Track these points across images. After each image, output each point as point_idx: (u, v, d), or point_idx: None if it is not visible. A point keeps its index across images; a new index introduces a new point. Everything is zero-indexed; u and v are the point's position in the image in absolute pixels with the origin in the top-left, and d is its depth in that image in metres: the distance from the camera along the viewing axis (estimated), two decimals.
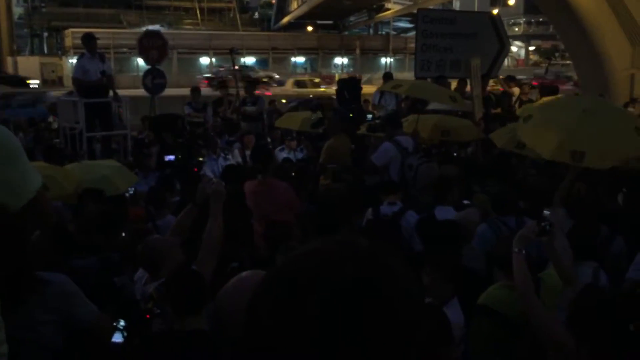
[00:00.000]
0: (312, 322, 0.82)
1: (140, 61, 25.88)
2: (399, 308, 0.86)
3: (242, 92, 12.46)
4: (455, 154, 8.43)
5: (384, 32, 63.93)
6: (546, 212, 3.50)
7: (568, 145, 5.34)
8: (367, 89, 11.98)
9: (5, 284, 2.15)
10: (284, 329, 0.83)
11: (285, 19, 60.04)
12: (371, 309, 0.83)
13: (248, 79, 12.86)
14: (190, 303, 2.97)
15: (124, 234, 4.88)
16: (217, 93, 13.82)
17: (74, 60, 15.65)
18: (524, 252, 3.30)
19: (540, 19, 60.72)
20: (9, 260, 2.20)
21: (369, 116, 11.04)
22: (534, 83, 15.78)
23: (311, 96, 27.53)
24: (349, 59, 59.71)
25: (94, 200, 5.19)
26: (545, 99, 12.15)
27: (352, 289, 0.84)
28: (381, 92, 12.14)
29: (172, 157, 8.70)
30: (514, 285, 3.42)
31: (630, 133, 5.46)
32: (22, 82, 35.70)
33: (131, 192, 6.13)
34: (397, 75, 23.00)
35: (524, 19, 68.21)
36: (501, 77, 13.42)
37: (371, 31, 66.11)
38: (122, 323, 3.05)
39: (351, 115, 8.22)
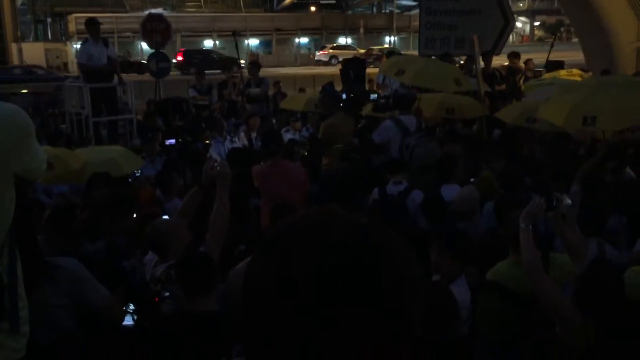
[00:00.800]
0: (304, 292, 0.80)
1: (144, 45, 25.80)
2: (396, 277, 0.84)
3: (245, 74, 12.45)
4: (460, 132, 8.41)
5: (387, 11, 63.36)
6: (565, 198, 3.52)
7: (580, 111, 5.42)
8: (371, 69, 11.92)
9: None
10: (277, 298, 0.82)
11: (288, 0, 59.58)
12: (366, 278, 0.81)
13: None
14: (200, 284, 3.00)
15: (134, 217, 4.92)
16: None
17: (78, 46, 15.63)
18: (530, 227, 3.33)
19: None
20: (23, 239, 2.26)
21: (374, 96, 11.01)
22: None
23: None
24: (352, 39, 59.28)
25: (103, 183, 5.22)
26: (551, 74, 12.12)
27: (346, 257, 0.82)
28: None
29: (172, 141, 8.73)
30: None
31: None
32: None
33: (137, 175, 6.19)
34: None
35: None
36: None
37: (374, 10, 65.55)
38: (131, 307, 3.09)
39: (352, 95, 8.18)
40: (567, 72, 13.61)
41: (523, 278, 3.45)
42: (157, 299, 3.19)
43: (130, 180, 6.28)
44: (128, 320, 3.04)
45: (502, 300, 3.60)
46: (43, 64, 42.68)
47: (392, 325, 0.83)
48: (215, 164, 3.88)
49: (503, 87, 10.88)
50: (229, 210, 3.76)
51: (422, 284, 0.90)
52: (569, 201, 3.45)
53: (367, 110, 9.00)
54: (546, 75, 12.36)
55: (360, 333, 0.80)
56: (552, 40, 14.34)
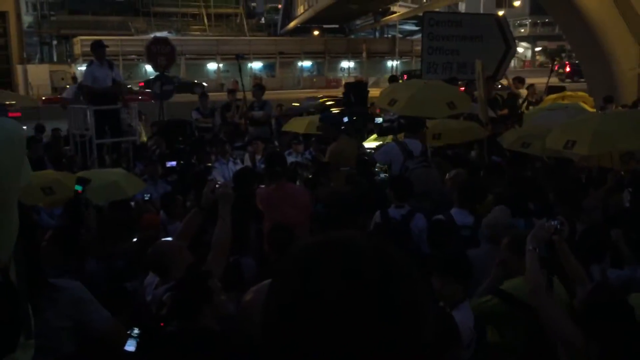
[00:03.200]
0: (327, 307, 0.83)
1: (149, 68, 26.01)
2: (413, 295, 0.88)
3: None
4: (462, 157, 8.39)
5: (390, 35, 63.85)
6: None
7: (566, 135, 5.93)
8: (374, 92, 11.97)
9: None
10: (301, 308, 0.85)
11: (292, 24, 60.11)
12: (385, 296, 0.84)
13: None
14: (193, 305, 2.98)
15: (134, 240, 4.91)
16: None
17: (83, 68, 15.77)
18: (537, 250, 3.35)
19: (547, 20, 60.53)
20: (25, 259, 2.24)
21: (379, 119, 11.03)
22: None
23: None
24: (355, 63, 59.69)
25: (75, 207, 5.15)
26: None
27: (368, 270, 0.85)
28: None
29: (173, 163, 8.71)
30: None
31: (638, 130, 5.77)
32: None
33: (147, 198, 6.21)
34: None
35: (529, 20, 67.99)
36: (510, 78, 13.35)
37: (377, 34, 66.07)
38: (136, 331, 3.06)
39: (355, 118, 8.19)
40: (573, 93, 13.67)
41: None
42: (162, 324, 3.16)
43: (132, 203, 6.28)
44: (131, 346, 3.00)
45: (511, 307, 3.65)
46: (48, 85, 43.02)
47: (408, 341, 0.86)
48: (217, 185, 3.88)
49: (505, 111, 10.93)
50: (231, 232, 3.76)
51: (431, 306, 0.92)
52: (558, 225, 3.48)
53: (372, 138, 8.99)
54: (548, 98, 12.41)
55: (376, 344, 0.83)
56: (551, 66, 14.41)
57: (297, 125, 11.31)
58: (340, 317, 0.82)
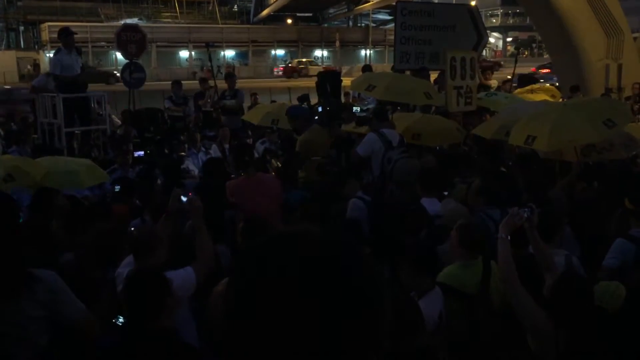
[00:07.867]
0: (281, 296, 0.84)
1: (119, 55, 25.61)
2: (367, 287, 0.88)
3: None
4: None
5: (363, 24, 63.87)
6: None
7: (527, 131, 6.14)
8: (347, 82, 11.94)
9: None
10: (251, 302, 0.86)
11: (265, 12, 59.67)
12: (340, 286, 0.86)
13: None
14: (150, 306, 2.95)
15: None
16: None
17: (51, 55, 15.47)
18: (509, 238, 3.40)
19: (518, 10, 61.20)
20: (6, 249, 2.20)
21: (357, 109, 11.05)
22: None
23: None
24: (328, 51, 59.64)
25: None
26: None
27: (323, 266, 0.86)
28: None
29: (141, 153, 8.58)
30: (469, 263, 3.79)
31: (597, 124, 5.96)
32: None
33: (117, 189, 6.17)
34: (377, 67, 23.03)
35: (501, 10, 68.68)
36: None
37: (350, 23, 66.05)
38: (120, 319, 3.04)
39: (328, 108, 8.18)
40: (541, 86, 13.87)
41: (467, 278, 3.79)
42: None
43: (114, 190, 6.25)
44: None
45: (448, 298, 3.75)
46: (15, 72, 42.13)
47: (363, 330, 0.87)
48: (183, 198, 3.86)
49: None
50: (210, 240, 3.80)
51: (385, 297, 0.93)
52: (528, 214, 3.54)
53: (350, 126, 9.01)
54: (518, 91, 12.57)
55: (331, 333, 0.84)
56: (523, 54, 14.56)
57: (253, 116, 11.10)
58: (294, 306, 0.83)
